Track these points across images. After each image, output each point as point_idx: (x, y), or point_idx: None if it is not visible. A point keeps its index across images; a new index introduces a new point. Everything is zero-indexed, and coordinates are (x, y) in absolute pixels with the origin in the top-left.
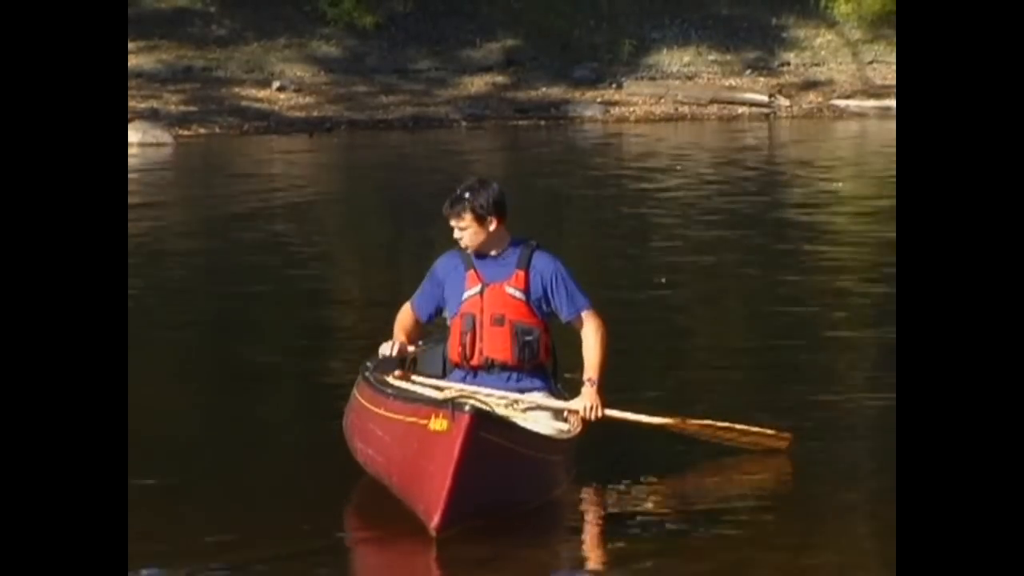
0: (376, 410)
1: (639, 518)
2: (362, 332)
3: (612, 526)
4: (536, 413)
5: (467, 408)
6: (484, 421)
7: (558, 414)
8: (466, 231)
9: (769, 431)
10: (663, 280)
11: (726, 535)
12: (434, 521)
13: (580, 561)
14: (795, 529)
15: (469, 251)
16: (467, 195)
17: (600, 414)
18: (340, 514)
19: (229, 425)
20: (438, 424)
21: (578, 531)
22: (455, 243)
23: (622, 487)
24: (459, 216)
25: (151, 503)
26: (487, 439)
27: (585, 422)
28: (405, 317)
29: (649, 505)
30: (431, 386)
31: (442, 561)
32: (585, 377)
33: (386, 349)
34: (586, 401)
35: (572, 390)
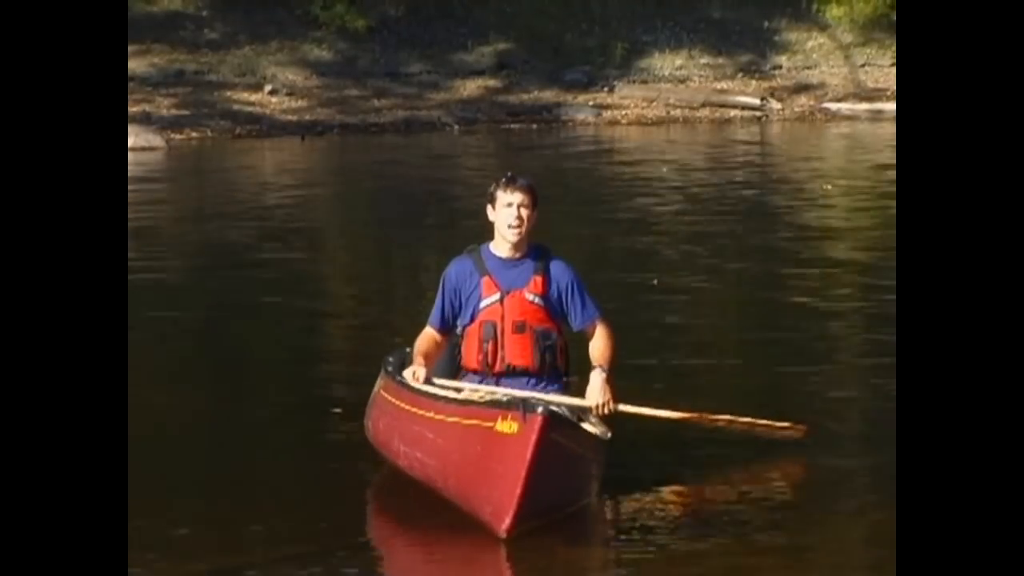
0: (423, 413)
1: (638, 522)
2: (359, 332)
3: (611, 531)
4: None
5: (540, 410)
6: (554, 422)
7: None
8: (527, 210)
9: (785, 424)
10: (655, 282)
11: (726, 539)
12: (505, 523)
13: (580, 566)
14: (794, 533)
15: (514, 238)
16: (522, 179)
17: (613, 408)
18: (348, 513)
19: (229, 425)
20: (507, 426)
21: (577, 537)
22: (450, 248)
23: (623, 492)
24: (526, 191)
25: (151, 503)
26: (555, 440)
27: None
28: (425, 342)
29: (648, 509)
30: (452, 388)
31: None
32: (595, 364)
33: (409, 376)
34: (599, 397)
35: (580, 391)
